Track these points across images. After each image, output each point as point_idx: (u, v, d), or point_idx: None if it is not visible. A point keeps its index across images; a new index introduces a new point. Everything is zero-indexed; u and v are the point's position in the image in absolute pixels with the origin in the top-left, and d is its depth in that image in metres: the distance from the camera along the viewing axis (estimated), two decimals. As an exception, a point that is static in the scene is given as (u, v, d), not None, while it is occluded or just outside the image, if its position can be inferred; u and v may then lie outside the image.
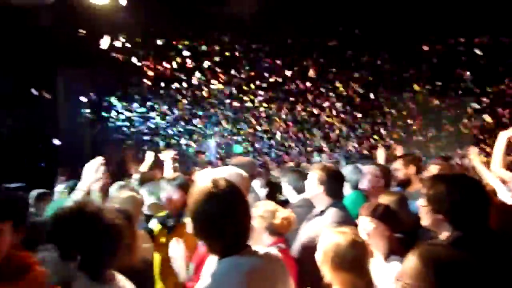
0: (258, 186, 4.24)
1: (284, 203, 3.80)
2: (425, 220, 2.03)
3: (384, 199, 3.11)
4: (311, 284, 2.53)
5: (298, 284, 2.43)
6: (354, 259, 2.07)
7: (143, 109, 9.51)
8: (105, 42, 6.88)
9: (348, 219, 2.90)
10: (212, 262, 1.89)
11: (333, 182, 3.10)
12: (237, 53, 8.56)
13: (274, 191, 4.56)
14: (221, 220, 1.75)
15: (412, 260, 1.45)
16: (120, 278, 1.87)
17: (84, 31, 6.86)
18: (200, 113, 9.40)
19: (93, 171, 2.59)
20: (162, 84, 8.79)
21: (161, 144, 9.42)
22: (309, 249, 2.93)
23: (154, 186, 4.02)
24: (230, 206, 1.78)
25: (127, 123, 9.61)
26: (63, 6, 5.62)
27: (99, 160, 2.63)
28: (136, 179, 4.82)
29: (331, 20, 7.62)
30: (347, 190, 4.05)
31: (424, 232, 2.34)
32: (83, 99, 9.03)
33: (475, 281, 1.42)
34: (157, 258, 3.14)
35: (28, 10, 6.25)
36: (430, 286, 1.39)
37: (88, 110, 9.18)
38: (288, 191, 4.02)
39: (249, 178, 2.82)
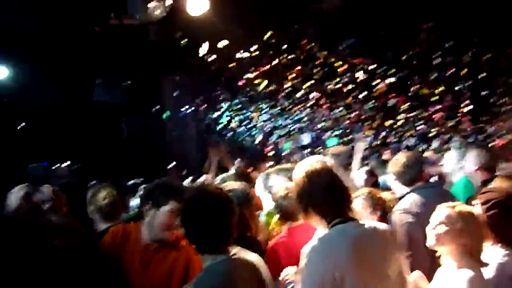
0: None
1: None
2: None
3: (499, 183, 3.00)
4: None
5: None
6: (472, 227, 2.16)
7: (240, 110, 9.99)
8: (204, 49, 7.44)
9: (422, 205, 2.87)
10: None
11: (405, 171, 3.12)
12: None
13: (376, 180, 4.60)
14: (331, 191, 1.98)
15: None
16: (237, 250, 2.02)
17: (186, 41, 7.50)
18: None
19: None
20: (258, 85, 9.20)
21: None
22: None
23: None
24: (336, 179, 2.02)
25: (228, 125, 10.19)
26: (167, 21, 6.18)
27: None
28: (232, 173, 5.13)
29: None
30: (458, 175, 3.97)
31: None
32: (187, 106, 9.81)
33: None
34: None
35: (138, 27, 6.96)
36: None
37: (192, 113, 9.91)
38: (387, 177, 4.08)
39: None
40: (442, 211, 2.27)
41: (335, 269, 1.82)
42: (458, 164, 3.89)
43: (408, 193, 3.05)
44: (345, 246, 1.87)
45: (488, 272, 2.23)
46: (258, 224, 3.06)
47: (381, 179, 4.33)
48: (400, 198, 3.13)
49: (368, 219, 2.74)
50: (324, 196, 1.99)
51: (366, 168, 4.41)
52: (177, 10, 5.82)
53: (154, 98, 9.44)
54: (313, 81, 9.15)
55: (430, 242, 2.26)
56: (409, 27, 8.18)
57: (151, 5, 5.18)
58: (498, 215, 2.31)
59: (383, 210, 3.03)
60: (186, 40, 7.48)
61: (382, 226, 2.14)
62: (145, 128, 9.45)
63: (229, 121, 10.18)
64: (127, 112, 9.11)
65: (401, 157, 3.17)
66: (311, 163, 2.12)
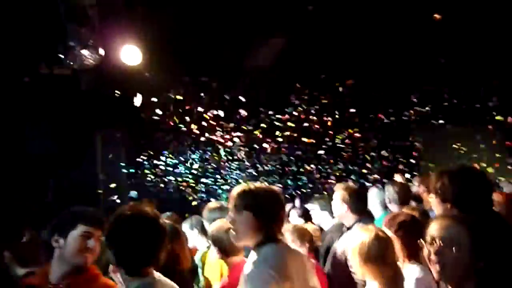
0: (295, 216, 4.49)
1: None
2: (437, 211, 2.22)
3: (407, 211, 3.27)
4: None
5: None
6: (378, 252, 2.29)
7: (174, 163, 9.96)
8: (138, 101, 7.47)
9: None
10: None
11: (356, 200, 3.35)
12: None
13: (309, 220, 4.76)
14: (278, 212, 2.09)
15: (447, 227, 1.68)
16: (158, 275, 2.03)
17: (119, 92, 7.51)
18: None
19: None
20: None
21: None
22: (340, 262, 3.12)
23: (194, 220, 4.31)
24: (283, 203, 2.15)
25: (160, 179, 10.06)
26: (100, 70, 6.20)
27: None
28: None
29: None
30: (377, 212, 4.22)
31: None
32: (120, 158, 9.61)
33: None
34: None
35: (70, 77, 6.89)
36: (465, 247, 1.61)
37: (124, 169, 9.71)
38: (320, 217, 4.24)
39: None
40: (360, 235, 2.43)
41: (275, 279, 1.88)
42: (376, 201, 4.16)
43: (357, 221, 3.25)
44: (281, 259, 1.96)
45: (409, 287, 2.38)
46: (188, 258, 3.06)
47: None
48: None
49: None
50: (278, 214, 2.09)
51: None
52: (109, 60, 5.89)
53: (86, 151, 9.20)
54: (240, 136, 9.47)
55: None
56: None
57: (83, 53, 5.20)
58: (405, 234, 2.50)
59: (310, 241, 3.16)
60: (119, 92, 7.50)
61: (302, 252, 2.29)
62: (75, 182, 9.06)
63: (164, 175, 10.09)
64: (57, 166, 8.73)
65: (349, 187, 3.43)
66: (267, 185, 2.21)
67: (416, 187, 4.44)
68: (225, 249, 3.03)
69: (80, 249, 2.20)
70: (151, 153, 9.75)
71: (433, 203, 2.23)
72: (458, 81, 8.46)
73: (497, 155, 9.28)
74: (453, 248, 1.61)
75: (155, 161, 9.86)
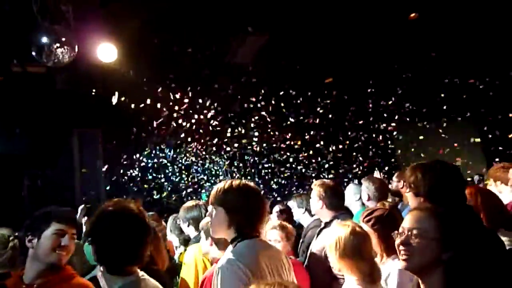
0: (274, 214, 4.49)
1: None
2: (411, 205, 2.26)
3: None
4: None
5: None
6: (354, 246, 2.32)
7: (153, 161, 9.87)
8: (115, 99, 7.35)
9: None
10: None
11: (331, 196, 3.36)
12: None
13: (291, 218, 4.78)
14: (253, 209, 2.08)
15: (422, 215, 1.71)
16: (142, 273, 1.97)
17: (95, 91, 7.38)
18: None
19: None
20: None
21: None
22: (319, 258, 3.14)
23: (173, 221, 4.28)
24: (261, 200, 2.14)
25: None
26: (76, 68, 6.09)
27: None
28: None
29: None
30: (355, 208, 4.26)
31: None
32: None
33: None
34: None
35: (44, 76, 6.76)
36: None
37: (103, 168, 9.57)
38: (300, 215, 4.27)
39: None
40: (337, 230, 2.46)
41: (246, 274, 1.90)
42: (354, 197, 4.20)
43: (335, 217, 3.24)
44: (252, 256, 1.98)
45: (392, 280, 2.42)
46: (164, 259, 3.03)
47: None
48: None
49: (282, 248, 2.90)
50: (253, 211, 2.08)
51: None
52: (85, 58, 5.78)
53: (62, 150, 9.03)
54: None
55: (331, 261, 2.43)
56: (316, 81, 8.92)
57: (58, 50, 5.08)
58: (382, 228, 2.53)
59: (294, 239, 3.21)
60: (95, 90, 7.38)
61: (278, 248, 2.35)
62: (50, 182, 8.89)
63: (143, 174, 9.99)
64: (30, 165, 8.54)
65: (325, 184, 3.41)
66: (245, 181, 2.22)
67: (395, 182, 4.49)
68: (217, 241, 3.03)
69: (53, 247, 2.16)
70: (129, 151, 9.62)
71: (408, 197, 2.27)
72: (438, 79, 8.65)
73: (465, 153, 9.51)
74: (420, 238, 1.65)
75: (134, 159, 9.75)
